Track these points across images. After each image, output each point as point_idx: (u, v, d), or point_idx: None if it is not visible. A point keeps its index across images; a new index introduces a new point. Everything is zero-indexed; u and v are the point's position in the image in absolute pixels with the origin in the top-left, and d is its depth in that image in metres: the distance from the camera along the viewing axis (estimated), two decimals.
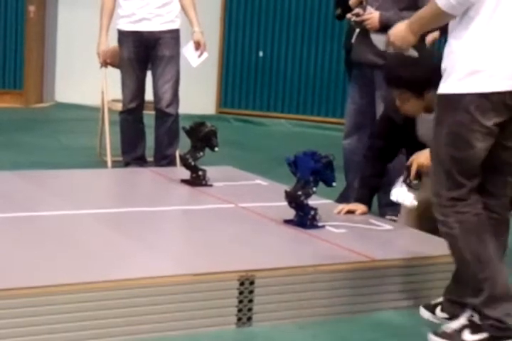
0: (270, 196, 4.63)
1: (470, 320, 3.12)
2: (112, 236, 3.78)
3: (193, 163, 4.90)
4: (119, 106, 5.98)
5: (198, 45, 5.86)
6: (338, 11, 6.28)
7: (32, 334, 2.96)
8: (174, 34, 5.80)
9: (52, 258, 3.39)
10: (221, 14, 9.14)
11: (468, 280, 3.10)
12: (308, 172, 3.98)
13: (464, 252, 3.04)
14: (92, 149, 6.58)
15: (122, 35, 5.81)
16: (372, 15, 4.74)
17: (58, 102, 9.66)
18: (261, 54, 9.07)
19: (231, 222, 4.14)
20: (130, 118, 5.90)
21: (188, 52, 5.90)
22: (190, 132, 4.92)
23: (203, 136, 4.86)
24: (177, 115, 5.85)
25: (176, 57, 5.82)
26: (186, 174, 4.94)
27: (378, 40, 3.44)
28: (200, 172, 4.90)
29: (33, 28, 9.34)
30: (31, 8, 9.27)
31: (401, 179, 3.94)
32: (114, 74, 6.03)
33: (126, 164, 5.93)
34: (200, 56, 5.89)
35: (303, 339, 3.25)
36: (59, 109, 9.39)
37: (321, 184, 4.03)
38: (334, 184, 4.01)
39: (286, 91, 9.04)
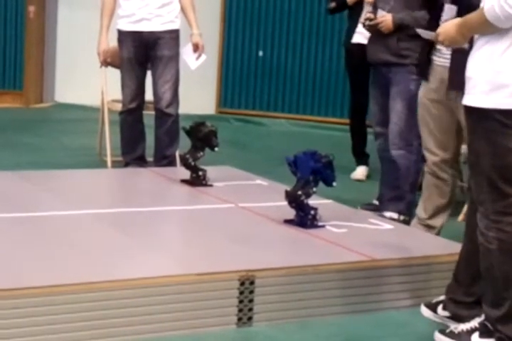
0: (270, 196, 4.62)
1: (482, 324, 3.07)
2: (112, 236, 3.78)
3: (193, 163, 4.90)
4: (118, 107, 5.98)
5: (196, 47, 5.86)
6: (333, 5, 6.23)
7: (33, 334, 2.96)
8: (174, 34, 5.80)
9: (53, 258, 3.39)
10: (221, 13, 9.14)
11: (489, 291, 3.04)
12: (309, 172, 3.98)
13: (495, 268, 2.98)
14: (92, 149, 6.57)
15: (122, 35, 5.81)
16: (386, 18, 4.77)
17: (58, 102, 9.65)
18: (261, 53, 9.06)
19: (231, 222, 4.14)
20: (130, 118, 5.89)
21: (186, 54, 5.89)
22: (190, 132, 4.92)
23: (202, 135, 4.86)
24: (177, 115, 5.84)
25: (175, 57, 5.81)
26: (186, 174, 4.94)
27: (426, 33, 3.40)
28: (200, 173, 4.90)
29: (32, 28, 9.33)
30: (31, 9, 9.27)
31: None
32: (114, 75, 6.02)
33: (126, 164, 5.92)
34: (198, 58, 5.90)
35: (303, 338, 3.25)
36: (59, 109, 9.38)
37: (321, 184, 4.03)
38: (334, 184, 4.01)
39: (286, 90, 9.03)
